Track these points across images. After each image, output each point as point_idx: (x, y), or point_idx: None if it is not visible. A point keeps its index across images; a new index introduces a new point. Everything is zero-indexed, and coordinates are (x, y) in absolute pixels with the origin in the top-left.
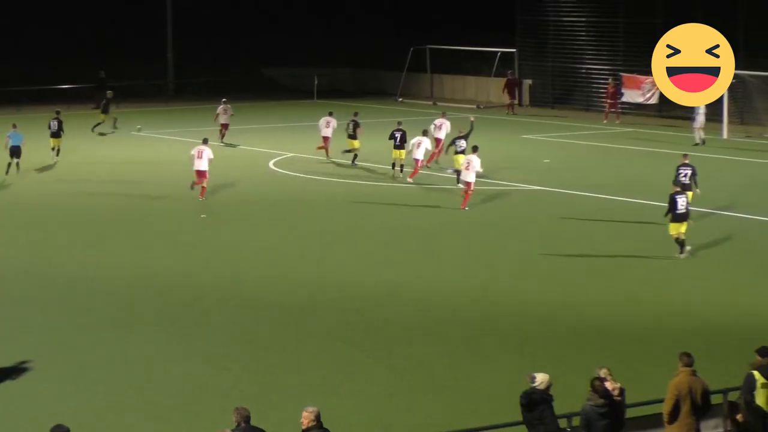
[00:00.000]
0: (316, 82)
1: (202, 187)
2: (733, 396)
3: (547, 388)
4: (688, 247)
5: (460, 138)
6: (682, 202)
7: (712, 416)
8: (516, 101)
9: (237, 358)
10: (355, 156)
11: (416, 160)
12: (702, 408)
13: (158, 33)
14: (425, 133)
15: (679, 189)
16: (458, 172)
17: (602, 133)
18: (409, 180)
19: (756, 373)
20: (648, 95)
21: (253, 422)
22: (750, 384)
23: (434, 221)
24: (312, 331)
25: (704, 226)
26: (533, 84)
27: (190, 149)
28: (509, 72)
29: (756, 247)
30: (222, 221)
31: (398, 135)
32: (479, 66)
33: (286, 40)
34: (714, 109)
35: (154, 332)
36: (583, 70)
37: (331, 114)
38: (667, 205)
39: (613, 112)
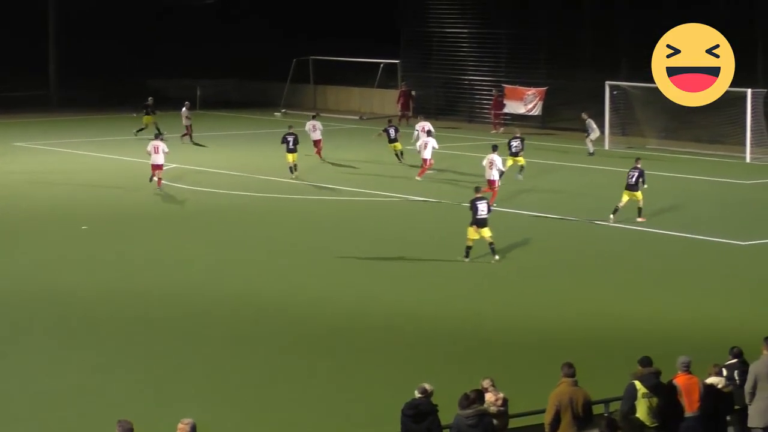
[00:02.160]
0: (198, 92)
1: (159, 178)
2: (615, 406)
3: (430, 397)
4: (496, 256)
5: (516, 138)
6: (482, 207)
7: (594, 426)
8: (409, 113)
9: (124, 370)
10: (401, 153)
11: (425, 160)
12: (583, 418)
13: (40, 42)
14: (430, 133)
15: (479, 195)
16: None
17: (485, 144)
18: (418, 178)
19: (637, 383)
20: (530, 106)
21: None
22: (630, 394)
23: (319, 233)
24: (201, 342)
25: (588, 236)
26: (416, 95)
27: (146, 146)
28: (403, 84)
29: (637, 257)
30: (106, 233)
31: (290, 139)
32: (363, 77)
33: (171, 51)
34: (596, 122)
35: (41, 345)
36: (467, 82)
37: (314, 117)
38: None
39: (496, 123)
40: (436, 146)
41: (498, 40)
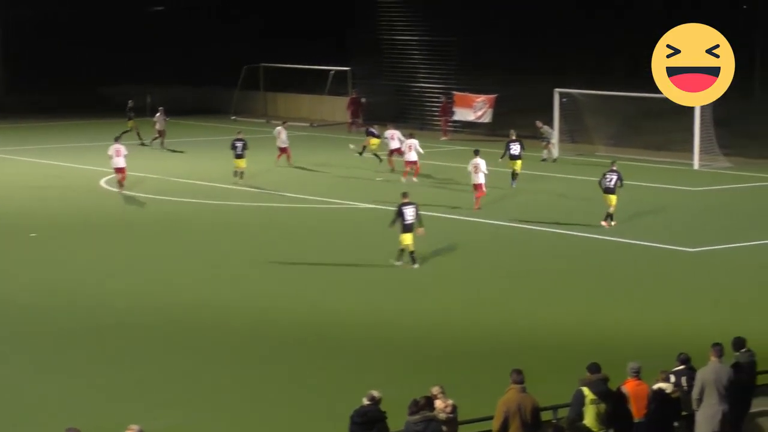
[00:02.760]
0: (148, 100)
1: (120, 180)
2: (563, 412)
3: (379, 404)
4: (416, 265)
5: (514, 142)
6: (409, 213)
7: None
8: (359, 120)
9: (77, 375)
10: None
11: (412, 162)
12: (531, 425)
13: None
14: (411, 135)
15: (407, 200)
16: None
17: (435, 152)
18: (414, 179)
19: (585, 389)
20: (479, 113)
21: None
22: (578, 400)
23: (271, 241)
24: (160, 348)
25: (537, 244)
26: (366, 102)
27: (107, 150)
28: (354, 91)
29: (585, 264)
30: (51, 239)
31: (239, 145)
32: (313, 84)
33: (121, 58)
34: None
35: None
36: (417, 89)
37: (284, 124)
38: (394, 215)
39: (445, 130)
40: (421, 151)
41: (448, 47)
